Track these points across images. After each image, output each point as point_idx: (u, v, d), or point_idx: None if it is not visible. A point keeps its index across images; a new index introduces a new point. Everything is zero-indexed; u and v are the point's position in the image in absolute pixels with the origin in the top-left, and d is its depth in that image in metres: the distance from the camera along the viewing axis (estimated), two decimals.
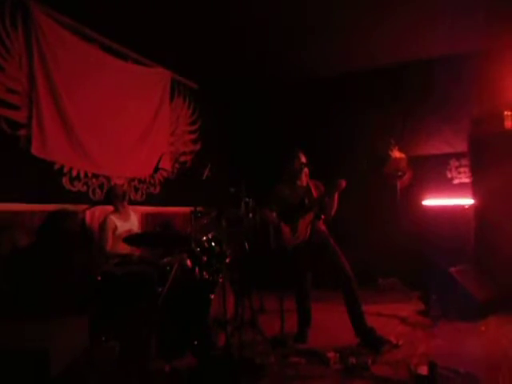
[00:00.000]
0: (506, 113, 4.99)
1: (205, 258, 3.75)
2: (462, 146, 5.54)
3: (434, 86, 5.85)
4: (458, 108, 5.67)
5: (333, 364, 3.07)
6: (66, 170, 4.36)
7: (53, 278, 3.29)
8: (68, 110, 4.31)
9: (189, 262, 3.74)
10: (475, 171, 5.18)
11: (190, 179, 6.06)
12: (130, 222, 4.10)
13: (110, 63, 4.92)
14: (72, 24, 4.42)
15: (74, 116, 4.37)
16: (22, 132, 3.94)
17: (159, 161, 4.89)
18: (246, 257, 3.86)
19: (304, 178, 3.80)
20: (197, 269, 3.69)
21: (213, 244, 3.85)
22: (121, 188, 4.45)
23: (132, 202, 4.85)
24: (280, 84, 6.69)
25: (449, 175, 5.80)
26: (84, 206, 4.25)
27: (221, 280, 3.43)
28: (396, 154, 4.55)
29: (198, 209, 4.14)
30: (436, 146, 5.90)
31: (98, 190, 4.70)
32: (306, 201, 3.68)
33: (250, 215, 3.91)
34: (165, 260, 3.53)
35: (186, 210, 4.72)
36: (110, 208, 4.13)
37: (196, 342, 3.17)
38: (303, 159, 3.79)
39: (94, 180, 4.68)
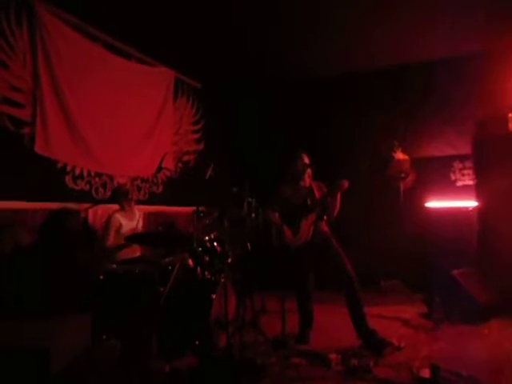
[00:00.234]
0: (510, 115, 4.97)
1: (207, 258, 3.75)
2: (465, 148, 5.54)
3: (435, 87, 5.84)
4: (459, 110, 5.66)
5: (334, 366, 3.06)
6: (69, 168, 4.36)
7: (55, 276, 3.30)
8: (71, 109, 4.31)
9: (191, 262, 3.74)
10: (479, 173, 5.17)
11: (193, 179, 6.07)
12: (135, 221, 4.10)
13: (113, 62, 4.93)
14: (76, 22, 4.43)
15: (78, 114, 4.38)
16: (26, 130, 3.94)
17: (162, 160, 4.88)
18: (248, 257, 3.85)
19: (307, 179, 3.79)
20: (199, 268, 3.69)
21: (215, 244, 3.85)
22: (126, 187, 4.46)
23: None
24: (281, 84, 6.69)
25: (452, 177, 5.78)
26: (87, 205, 4.26)
27: (223, 280, 3.43)
28: (399, 155, 4.54)
29: (201, 208, 4.14)
30: (439, 148, 5.89)
31: (100, 189, 4.71)
32: (309, 201, 3.66)
33: (253, 215, 3.90)
34: (167, 260, 3.53)
35: (189, 209, 4.72)
36: (113, 207, 4.13)
37: (197, 342, 3.17)
38: (306, 160, 3.78)
39: (96, 179, 4.68)
